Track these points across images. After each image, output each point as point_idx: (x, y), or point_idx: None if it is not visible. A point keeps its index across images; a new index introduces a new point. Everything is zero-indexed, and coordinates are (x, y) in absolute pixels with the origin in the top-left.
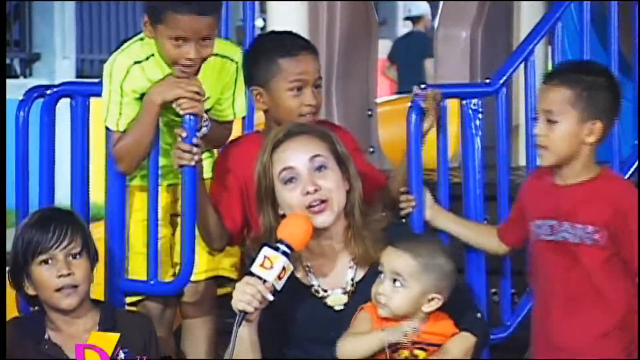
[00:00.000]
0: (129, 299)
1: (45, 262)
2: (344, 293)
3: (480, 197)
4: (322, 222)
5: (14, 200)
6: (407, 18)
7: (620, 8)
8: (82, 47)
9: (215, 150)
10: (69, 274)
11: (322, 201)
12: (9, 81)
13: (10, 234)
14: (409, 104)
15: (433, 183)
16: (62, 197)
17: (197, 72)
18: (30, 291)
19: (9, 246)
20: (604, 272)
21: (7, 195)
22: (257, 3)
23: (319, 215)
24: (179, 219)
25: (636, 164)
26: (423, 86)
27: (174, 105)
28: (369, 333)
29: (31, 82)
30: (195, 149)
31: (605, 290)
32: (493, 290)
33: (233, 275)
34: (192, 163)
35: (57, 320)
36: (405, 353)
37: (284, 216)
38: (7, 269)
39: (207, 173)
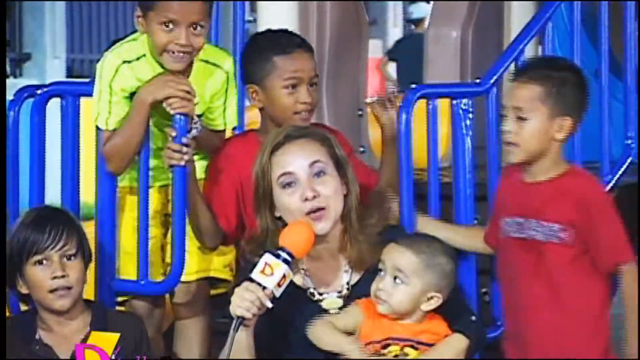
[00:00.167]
0: (119, 298)
1: (40, 262)
2: (340, 296)
3: (471, 197)
4: (320, 230)
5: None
6: (408, 21)
7: (611, 8)
8: (72, 47)
9: None
10: (63, 276)
11: (320, 208)
12: None
13: None
14: (399, 104)
15: (423, 183)
16: (53, 197)
17: (187, 75)
18: (24, 290)
19: None
20: (572, 271)
21: None
22: (247, 3)
23: (317, 222)
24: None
25: (626, 163)
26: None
27: (164, 104)
28: (341, 336)
29: (21, 82)
30: (185, 149)
31: (573, 289)
32: (484, 290)
33: (225, 276)
34: (182, 163)
35: (49, 321)
36: (395, 350)
37: (280, 218)
38: None
39: (200, 173)
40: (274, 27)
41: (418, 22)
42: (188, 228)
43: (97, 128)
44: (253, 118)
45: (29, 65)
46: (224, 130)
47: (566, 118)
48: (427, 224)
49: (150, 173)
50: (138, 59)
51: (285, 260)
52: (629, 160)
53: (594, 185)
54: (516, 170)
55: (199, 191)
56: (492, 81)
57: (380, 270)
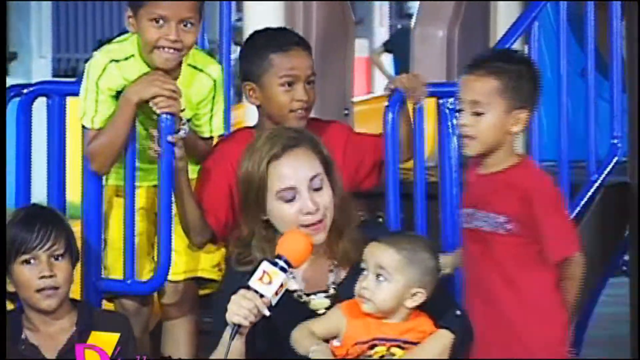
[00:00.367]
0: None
1: (28, 261)
2: (327, 297)
3: (457, 196)
4: (318, 240)
5: None
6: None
7: (597, 8)
8: (58, 46)
9: None
10: (51, 276)
11: (319, 221)
12: None
13: None
14: (386, 103)
15: (409, 182)
16: (39, 196)
17: (175, 78)
18: (10, 288)
19: None
20: (519, 260)
21: None
22: (233, 3)
23: (315, 234)
24: None
25: (612, 162)
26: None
27: (150, 104)
28: (311, 339)
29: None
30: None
31: (519, 281)
32: None
33: (214, 276)
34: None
35: (35, 320)
36: (382, 351)
37: (267, 221)
38: None
39: (191, 174)
40: (260, 27)
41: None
42: (178, 227)
43: (83, 127)
44: (238, 118)
45: (14, 65)
46: (211, 138)
47: (522, 111)
48: None
49: (139, 173)
50: (126, 58)
51: (282, 269)
52: (615, 160)
53: (539, 178)
54: (475, 164)
55: (188, 187)
56: None
57: (364, 269)
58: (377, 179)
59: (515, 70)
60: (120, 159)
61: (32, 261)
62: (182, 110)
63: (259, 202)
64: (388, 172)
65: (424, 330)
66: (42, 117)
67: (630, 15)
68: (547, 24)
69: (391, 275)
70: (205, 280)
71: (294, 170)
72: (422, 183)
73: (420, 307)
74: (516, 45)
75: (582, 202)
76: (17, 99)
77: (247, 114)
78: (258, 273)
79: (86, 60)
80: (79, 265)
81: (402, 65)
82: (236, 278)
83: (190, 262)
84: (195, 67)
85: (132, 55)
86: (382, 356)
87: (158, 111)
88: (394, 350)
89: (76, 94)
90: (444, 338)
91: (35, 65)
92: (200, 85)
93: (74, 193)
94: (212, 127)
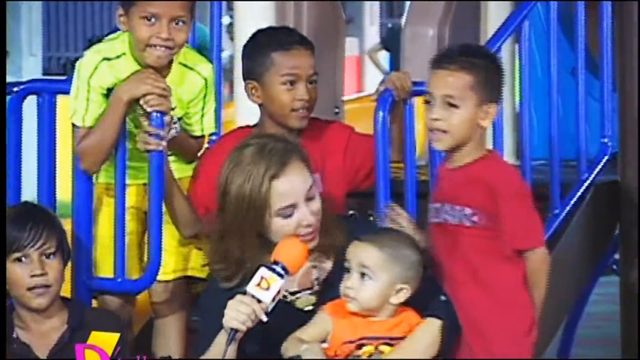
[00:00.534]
0: None
1: (19, 260)
2: (312, 294)
3: None
4: (312, 245)
5: None
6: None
7: (587, 7)
8: (49, 44)
9: None
10: (42, 274)
11: (315, 230)
12: None
13: None
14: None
15: (400, 181)
16: (29, 195)
17: (165, 76)
18: None
19: None
20: (486, 253)
21: None
22: (224, 2)
23: (310, 241)
24: None
25: (603, 161)
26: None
27: (141, 102)
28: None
29: None
30: (162, 132)
31: (484, 273)
32: None
33: (204, 275)
34: (160, 148)
35: (26, 319)
36: (370, 349)
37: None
38: None
39: (180, 173)
40: (251, 26)
41: None
42: (168, 226)
43: (74, 125)
44: (228, 117)
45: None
46: (202, 137)
47: (491, 105)
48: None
49: (129, 171)
50: (118, 57)
51: (279, 275)
52: (605, 159)
53: (505, 171)
54: (446, 158)
55: (174, 181)
56: None
57: (347, 269)
58: None
59: (485, 65)
60: (110, 158)
61: (23, 259)
62: (173, 109)
63: (257, 220)
64: (378, 170)
65: (410, 324)
66: (32, 115)
67: (621, 14)
68: (538, 23)
69: (375, 274)
70: (196, 279)
71: (292, 187)
72: (413, 182)
73: (406, 302)
74: (507, 44)
75: (573, 201)
76: (8, 97)
77: (238, 113)
78: (256, 279)
79: (76, 59)
80: (69, 264)
81: (397, 62)
82: (223, 295)
83: (180, 261)
84: (186, 66)
85: (124, 54)
86: (371, 355)
87: (149, 109)
88: (382, 347)
89: (67, 92)
90: (432, 325)
91: (25, 63)
92: (191, 84)
93: (64, 191)
94: (203, 125)
